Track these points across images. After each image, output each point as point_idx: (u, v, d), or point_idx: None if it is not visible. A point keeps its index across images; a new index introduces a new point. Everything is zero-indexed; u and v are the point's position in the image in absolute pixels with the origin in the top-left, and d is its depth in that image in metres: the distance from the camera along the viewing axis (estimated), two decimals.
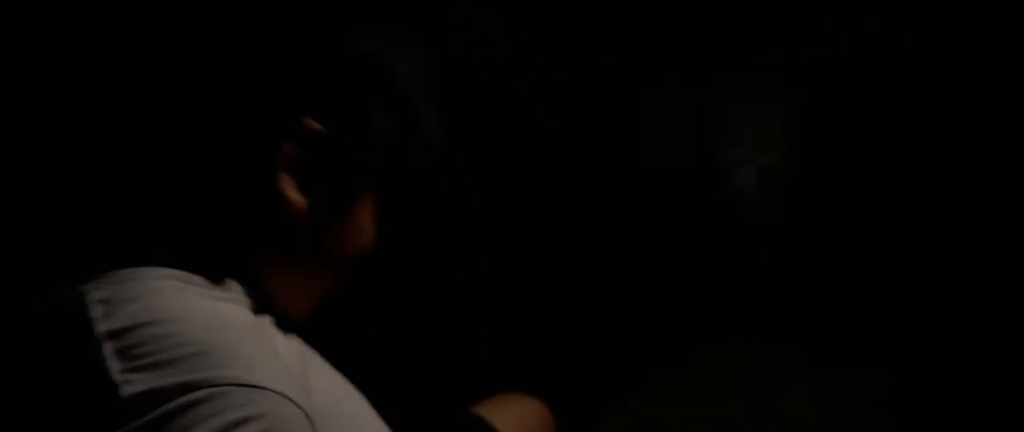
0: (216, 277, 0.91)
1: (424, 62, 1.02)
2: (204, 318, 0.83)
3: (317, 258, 0.96)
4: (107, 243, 0.95)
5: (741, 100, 2.62)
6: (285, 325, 0.93)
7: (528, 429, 1.16)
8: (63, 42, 0.99)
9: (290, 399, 0.79)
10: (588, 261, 1.08)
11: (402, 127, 0.97)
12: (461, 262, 1.03)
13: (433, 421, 1.01)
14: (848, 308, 2.38)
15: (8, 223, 1.07)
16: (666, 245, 2.26)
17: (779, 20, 2.64)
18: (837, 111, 2.63)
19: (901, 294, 2.39)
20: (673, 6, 2.62)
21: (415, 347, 1.05)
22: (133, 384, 0.78)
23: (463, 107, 1.92)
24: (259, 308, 0.91)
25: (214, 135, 0.93)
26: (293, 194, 0.93)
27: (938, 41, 2.51)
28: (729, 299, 2.35)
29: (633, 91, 2.62)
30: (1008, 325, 2.28)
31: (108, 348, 0.81)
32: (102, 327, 0.82)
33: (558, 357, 1.20)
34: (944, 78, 2.50)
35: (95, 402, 0.78)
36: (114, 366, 0.80)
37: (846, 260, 2.48)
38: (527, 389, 1.20)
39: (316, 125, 0.91)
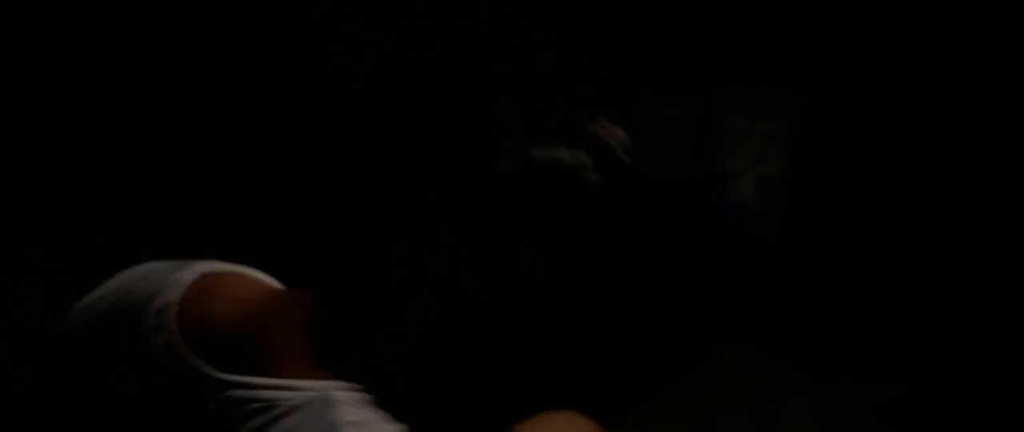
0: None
1: None
2: None
3: None
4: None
5: (740, 111, 2.62)
6: None
7: None
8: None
9: None
10: (591, 270, 1.06)
11: None
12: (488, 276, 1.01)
13: None
14: (848, 317, 2.37)
15: None
16: (669, 255, 2.25)
17: (777, 32, 2.64)
18: (836, 120, 2.63)
19: (902, 303, 2.38)
20: (672, 18, 2.62)
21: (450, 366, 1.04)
22: None
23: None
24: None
25: None
26: None
27: (935, 52, 2.51)
28: (730, 308, 2.34)
29: (632, 101, 2.61)
30: (1011, 333, 2.27)
31: None
32: None
33: (570, 369, 1.18)
34: (943, 87, 2.50)
35: None
36: None
37: (846, 269, 2.48)
38: (573, 406, 1.19)
39: None
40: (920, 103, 2.54)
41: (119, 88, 1.75)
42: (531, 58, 2.17)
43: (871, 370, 2.25)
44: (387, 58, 1.87)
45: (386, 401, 0.98)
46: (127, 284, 1.10)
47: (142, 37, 1.73)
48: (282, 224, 1.76)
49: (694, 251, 2.37)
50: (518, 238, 0.97)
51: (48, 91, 1.66)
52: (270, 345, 0.99)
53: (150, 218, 1.77)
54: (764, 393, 2.17)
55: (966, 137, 2.50)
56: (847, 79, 2.62)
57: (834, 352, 2.29)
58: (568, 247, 0.99)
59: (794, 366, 2.26)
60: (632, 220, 1.02)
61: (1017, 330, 2.28)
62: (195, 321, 1.03)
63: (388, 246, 0.98)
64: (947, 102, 2.51)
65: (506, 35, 2.11)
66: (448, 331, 0.99)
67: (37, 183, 1.62)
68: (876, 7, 2.55)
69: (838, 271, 2.48)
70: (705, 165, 2.66)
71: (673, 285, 2.08)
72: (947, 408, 2.15)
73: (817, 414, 2.13)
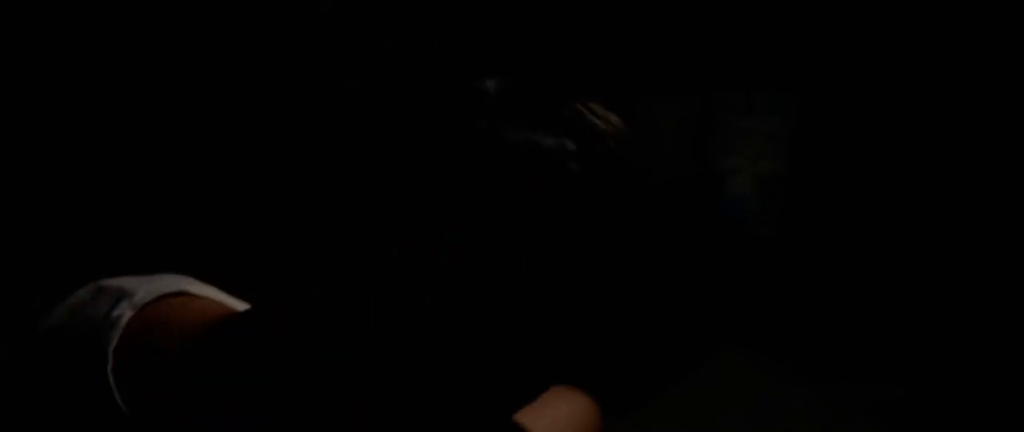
0: None
1: None
2: None
3: None
4: None
5: (740, 110, 2.62)
6: None
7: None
8: None
9: None
10: (587, 269, 1.06)
11: None
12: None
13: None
14: (848, 317, 2.37)
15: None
16: (665, 253, 2.24)
17: (777, 31, 2.64)
18: (836, 120, 2.63)
19: (902, 303, 2.38)
20: (672, 18, 2.62)
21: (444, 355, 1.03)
22: None
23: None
24: None
25: None
26: None
27: (935, 51, 2.51)
28: (730, 307, 2.34)
29: (633, 101, 2.61)
30: (1011, 333, 2.27)
31: None
32: None
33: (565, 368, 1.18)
34: (943, 86, 2.50)
35: None
36: None
37: (846, 268, 2.48)
38: (572, 382, 1.16)
39: None
40: (920, 102, 2.54)
41: (119, 88, 1.76)
42: (531, 57, 2.17)
43: (871, 370, 2.25)
44: (387, 58, 1.87)
45: None
46: (74, 318, 0.97)
47: (141, 37, 1.74)
48: (282, 224, 1.77)
49: (692, 249, 2.37)
50: (517, 236, 0.96)
51: (48, 91, 1.67)
52: None
53: (149, 218, 1.78)
54: (764, 393, 2.17)
55: (966, 136, 2.50)
56: (847, 78, 2.62)
57: (834, 352, 2.29)
58: (545, 237, 0.94)
59: (794, 366, 2.26)
60: (618, 213, 0.98)
61: (1017, 330, 2.28)
62: (132, 365, 0.88)
63: (388, 246, 0.97)
64: (947, 101, 2.51)
65: (505, 34, 2.11)
66: (448, 331, 0.98)
67: (37, 183, 1.62)
68: (876, 7, 2.55)
69: (838, 271, 2.48)
70: (705, 164, 2.66)
71: (670, 283, 2.08)
72: (947, 408, 2.15)
73: (817, 414, 2.13)
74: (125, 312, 0.91)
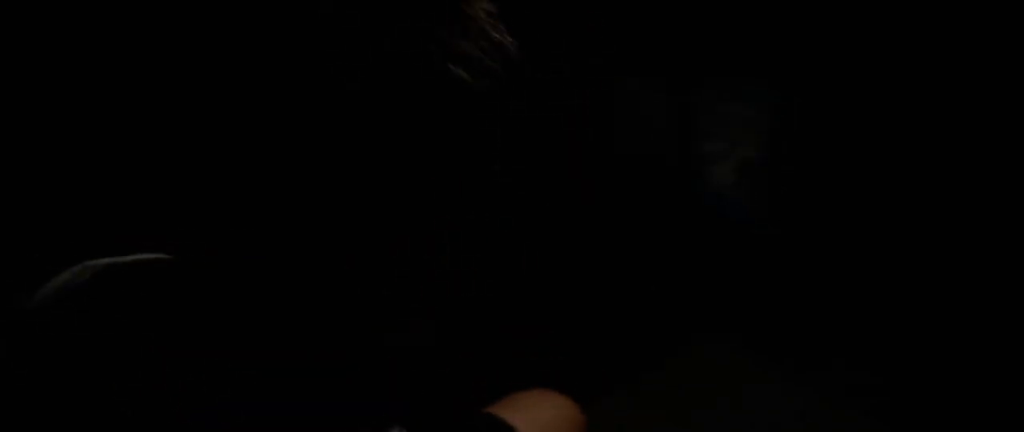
0: None
1: None
2: None
3: None
4: None
5: (726, 96, 2.63)
6: None
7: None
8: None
9: None
10: (572, 254, 1.06)
11: None
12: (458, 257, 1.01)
13: (443, 423, 1.00)
14: (848, 317, 2.37)
15: None
16: (647, 238, 2.25)
17: (761, 18, 2.64)
18: (816, 105, 2.64)
19: (903, 302, 2.38)
20: (656, 4, 2.62)
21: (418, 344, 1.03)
22: None
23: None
24: None
25: None
26: None
27: (922, 38, 2.51)
28: (709, 294, 2.34)
29: (615, 86, 2.61)
30: (1012, 331, 2.28)
31: None
32: None
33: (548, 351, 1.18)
34: (930, 73, 2.51)
35: None
36: None
37: (846, 267, 2.48)
38: (551, 385, 1.17)
39: None
40: (907, 89, 2.54)
41: (119, 87, 1.77)
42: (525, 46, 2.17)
43: (871, 370, 2.26)
44: (387, 58, 1.88)
45: None
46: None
47: (141, 36, 1.74)
48: (283, 223, 1.77)
49: (670, 232, 2.38)
50: (517, 233, 0.97)
51: (48, 91, 1.67)
52: None
53: (149, 218, 1.78)
54: (761, 391, 2.18)
55: (956, 125, 2.51)
56: (833, 65, 2.63)
57: (833, 351, 2.30)
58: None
59: (794, 365, 2.26)
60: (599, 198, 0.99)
61: (1018, 327, 2.28)
62: None
63: (388, 246, 0.98)
64: (934, 88, 2.51)
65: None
66: (451, 328, 0.99)
67: (37, 183, 1.63)
68: None
69: (838, 269, 2.48)
70: (689, 150, 2.67)
71: (646, 265, 2.08)
72: (948, 408, 2.16)
73: (816, 413, 2.14)
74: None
